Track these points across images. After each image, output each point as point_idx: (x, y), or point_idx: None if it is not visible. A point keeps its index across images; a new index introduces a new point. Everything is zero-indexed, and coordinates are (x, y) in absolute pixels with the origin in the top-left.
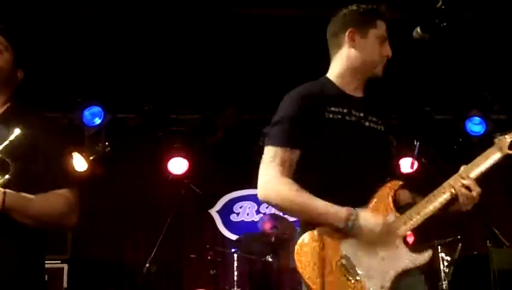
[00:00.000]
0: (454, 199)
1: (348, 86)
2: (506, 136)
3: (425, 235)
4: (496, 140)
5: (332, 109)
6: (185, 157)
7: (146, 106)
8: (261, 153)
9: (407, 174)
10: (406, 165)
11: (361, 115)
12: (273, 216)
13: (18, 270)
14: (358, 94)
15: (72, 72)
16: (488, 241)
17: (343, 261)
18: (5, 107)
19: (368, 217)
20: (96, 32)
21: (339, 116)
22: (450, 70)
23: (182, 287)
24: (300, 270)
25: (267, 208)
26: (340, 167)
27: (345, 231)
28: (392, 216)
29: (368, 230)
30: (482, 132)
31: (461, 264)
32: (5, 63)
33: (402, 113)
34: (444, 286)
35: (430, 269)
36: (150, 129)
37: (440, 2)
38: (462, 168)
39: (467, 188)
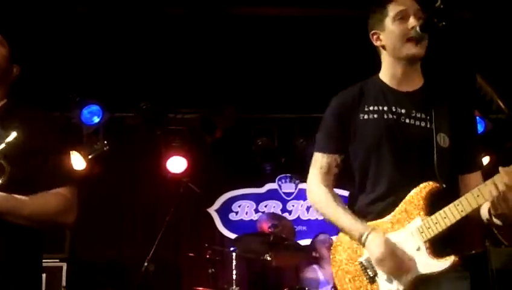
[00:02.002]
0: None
1: (394, 81)
2: None
3: None
4: None
5: (370, 108)
6: (183, 156)
7: (145, 104)
8: (261, 151)
9: None
10: None
11: (403, 111)
12: (272, 215)
13: (13, 268)
14: (409, 88)
15: (71, 70)
16: (486, 241)
17: (364, 263)
18: (1, 103)
19: (374, 241)
20: (94, 31)
21: (375, 116)
22: (449, 69)
23: (181, 286)
24: (331, 265)
25: (265, 207)
26: (374, 167)
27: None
28: (417, 221)
29: (372, 253)
30: (481, 131)
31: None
32: (1, 58)
33: (445, 108)
34: None
35: None
36: (148, 128)
37: (439, 2)
38: (501, 169)
39: (498, 189)
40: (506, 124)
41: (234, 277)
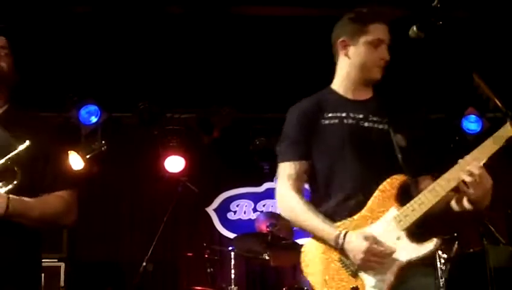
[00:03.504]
0: (457, 191)
1: (348, 92)
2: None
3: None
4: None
5: (330, 115)
6: (181, 156)
7: (142, 104)
8: (259, 151)
9: None
10: None
11: (361, 116)
12: (270, 215)
13: (13, 268)
14: (362, 97)
15: (68, 71)
16: (484, 239)
17: (343, 259)
18: (3, 109)
19: (352, 241)
20: (92, 31)
21: (336, 121)
22: (446, 68)
23: (179, 285)
24: (305, 272)
25: (263, 206)
26: (337, 169)
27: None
28: (393, 211)
29: (353, 254)
30: (478, 130)
31: (458, 262)
32: (9, 67)
33: (397, 113)
34: (441, 283)
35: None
36: (146, 128)
37: (436, 1)
38: (462, 160)
39: (470, 173)
40: (503, 123)
41: (232, 276)
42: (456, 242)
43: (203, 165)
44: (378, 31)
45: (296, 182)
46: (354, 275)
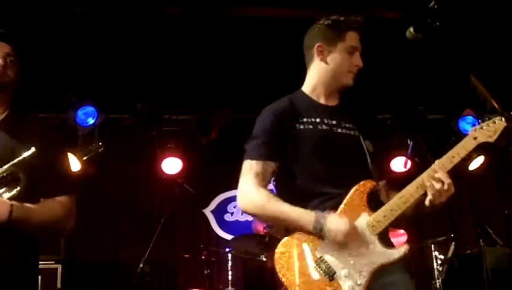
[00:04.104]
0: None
1: (320, 97)
2: (478, 126)
3: (419, 235)
4: (470, 131)
5: (304, 120)
6: (178, 157)
7: (140, 105)
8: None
9: (401, 173)
10: (400, 164)
11: (334, 122)
12: None
13: (12, 271)
14: (332, 103)
15: (66, 72)
16: (481, 240)
17: (319, 263)
18: (5, 114)
19: (334, 221)
20: (90, 32)
21: (311, 126)
22: (443, 69)
23: (176, 287)
24: (280, 275)
25: None
26: (313, 173)
27: (316, 234)
28: (364, 216)
29: (334, 233)
30: None
31: (454, 263)
32: (15, 75)
33: (395, 113)
34: (438, 284)
35: (423, 268)
36: (143, 129)
37: (433, 2)
38: (436, 161)
39: (439, 181)
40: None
41: (230, 277)
42: (453, 243)
43: (201, 166)
44: (353, 38)
45: (262, 181)
46: (331, 278)
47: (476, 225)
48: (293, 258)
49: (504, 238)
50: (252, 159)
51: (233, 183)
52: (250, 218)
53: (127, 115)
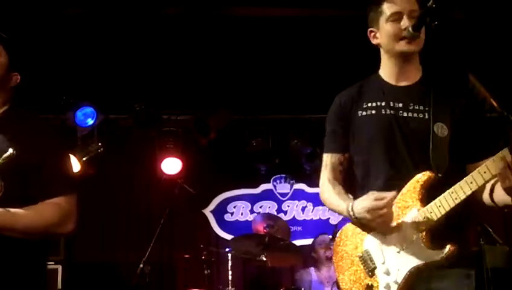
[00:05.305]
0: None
1: (391, 78)
2: None
3: None
4: None
5: (368, 104)
6: (178, 158)
7: (139, 106)
8: (256, 152)
9: None
10: None
11: (400, 105)
12: (267, 216)
13: (15, 279)
14: (406, 82)
15: (64, 73)
16: (481, 239)
17: (364, 255)
18: (1, 111)
19: (358, 201)
20: (88, 33)
21: (373, 112)
22: (441, 69)
23: (176, 287)
24: (333, 261)
25: (260, 207)
26: (370, 164)
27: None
28: (414, 211)
29: (361, 214)
30: None
31: None
32: (1, 68)
33: (443, 97)
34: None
35: None
36: (142, 130)
37: (431, 1)
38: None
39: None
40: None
41: (230, 277)
42: None
43: (200, 166)
44: (393, 4)
45: (330, 173)
46: (371, 273)
47: (475, 223)
48: (341, 248)
49: (503, 237)
50: (324, 152)
51: (232, 183)
52: (250, 218)
53: (126, 116)
